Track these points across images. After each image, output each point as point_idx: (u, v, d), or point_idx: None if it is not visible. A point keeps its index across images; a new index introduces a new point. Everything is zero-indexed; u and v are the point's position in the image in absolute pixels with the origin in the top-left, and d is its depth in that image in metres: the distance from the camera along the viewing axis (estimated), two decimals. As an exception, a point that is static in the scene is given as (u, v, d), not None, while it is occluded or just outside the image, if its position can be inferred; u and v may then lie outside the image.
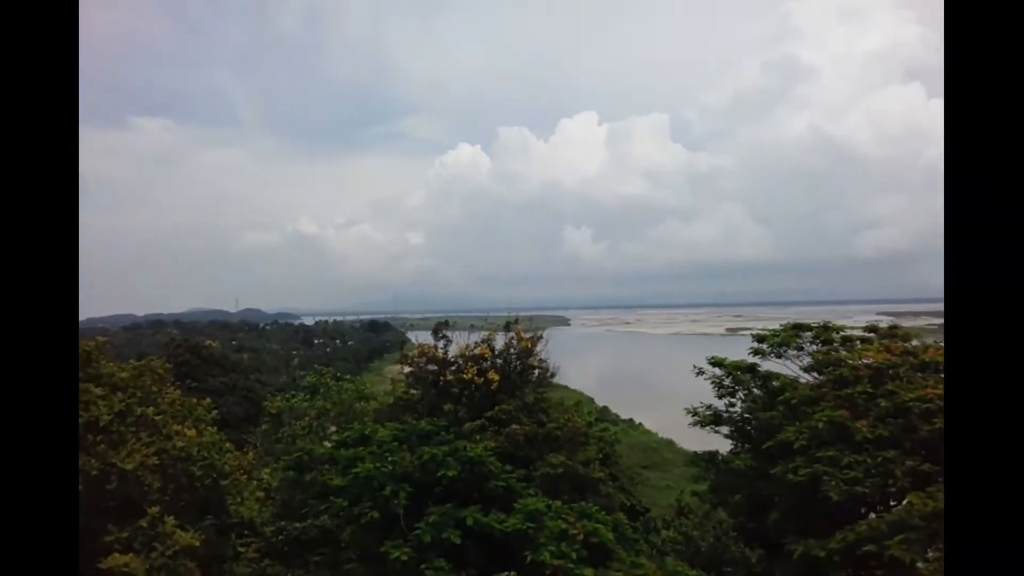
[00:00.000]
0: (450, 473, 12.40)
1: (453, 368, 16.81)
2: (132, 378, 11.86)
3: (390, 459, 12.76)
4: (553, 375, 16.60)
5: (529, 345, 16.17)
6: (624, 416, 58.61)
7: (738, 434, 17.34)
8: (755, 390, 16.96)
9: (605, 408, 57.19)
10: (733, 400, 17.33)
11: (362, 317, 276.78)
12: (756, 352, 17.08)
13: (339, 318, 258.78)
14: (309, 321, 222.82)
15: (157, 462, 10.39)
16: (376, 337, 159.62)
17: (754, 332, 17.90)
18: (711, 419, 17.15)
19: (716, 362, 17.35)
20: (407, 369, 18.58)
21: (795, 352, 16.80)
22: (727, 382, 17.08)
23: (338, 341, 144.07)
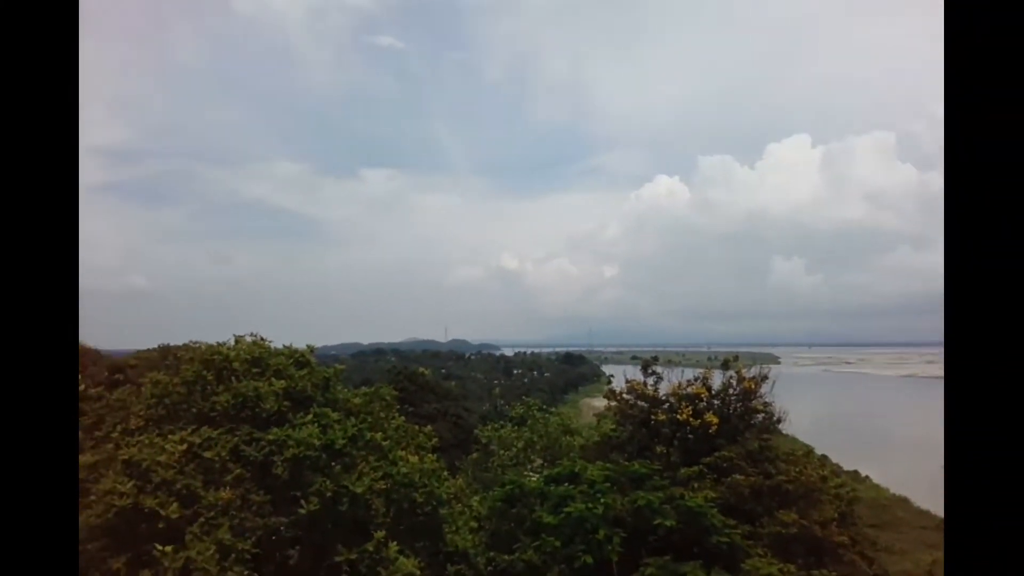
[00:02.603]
0: (667, 523, 11.56)
1: (665, 407, 15.92)
2: (364, 404, 12.67)
3: (602, 500, 12.23)
4: (780, 420, 14.99)
5: (752, 386, 14.78)
6: (847, 467, 52.31)
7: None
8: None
9: (825, 457, 51.52)
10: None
11: (558, 349, 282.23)
12: None
13: (536, 350, 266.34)
14: (509, 352, 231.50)
15: (384, 487, 10.84)
16: (571, 369, 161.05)
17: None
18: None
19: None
20: (612, 404, 17.97)
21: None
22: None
23: (535, 372, 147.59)
